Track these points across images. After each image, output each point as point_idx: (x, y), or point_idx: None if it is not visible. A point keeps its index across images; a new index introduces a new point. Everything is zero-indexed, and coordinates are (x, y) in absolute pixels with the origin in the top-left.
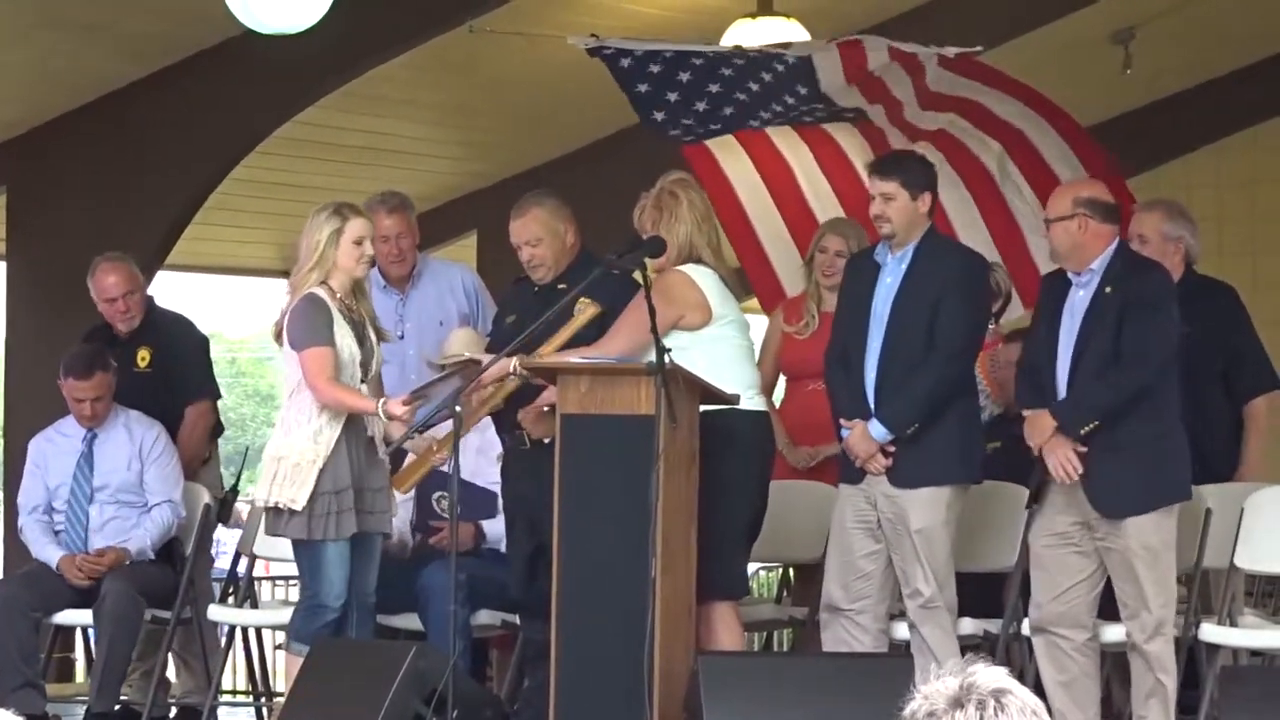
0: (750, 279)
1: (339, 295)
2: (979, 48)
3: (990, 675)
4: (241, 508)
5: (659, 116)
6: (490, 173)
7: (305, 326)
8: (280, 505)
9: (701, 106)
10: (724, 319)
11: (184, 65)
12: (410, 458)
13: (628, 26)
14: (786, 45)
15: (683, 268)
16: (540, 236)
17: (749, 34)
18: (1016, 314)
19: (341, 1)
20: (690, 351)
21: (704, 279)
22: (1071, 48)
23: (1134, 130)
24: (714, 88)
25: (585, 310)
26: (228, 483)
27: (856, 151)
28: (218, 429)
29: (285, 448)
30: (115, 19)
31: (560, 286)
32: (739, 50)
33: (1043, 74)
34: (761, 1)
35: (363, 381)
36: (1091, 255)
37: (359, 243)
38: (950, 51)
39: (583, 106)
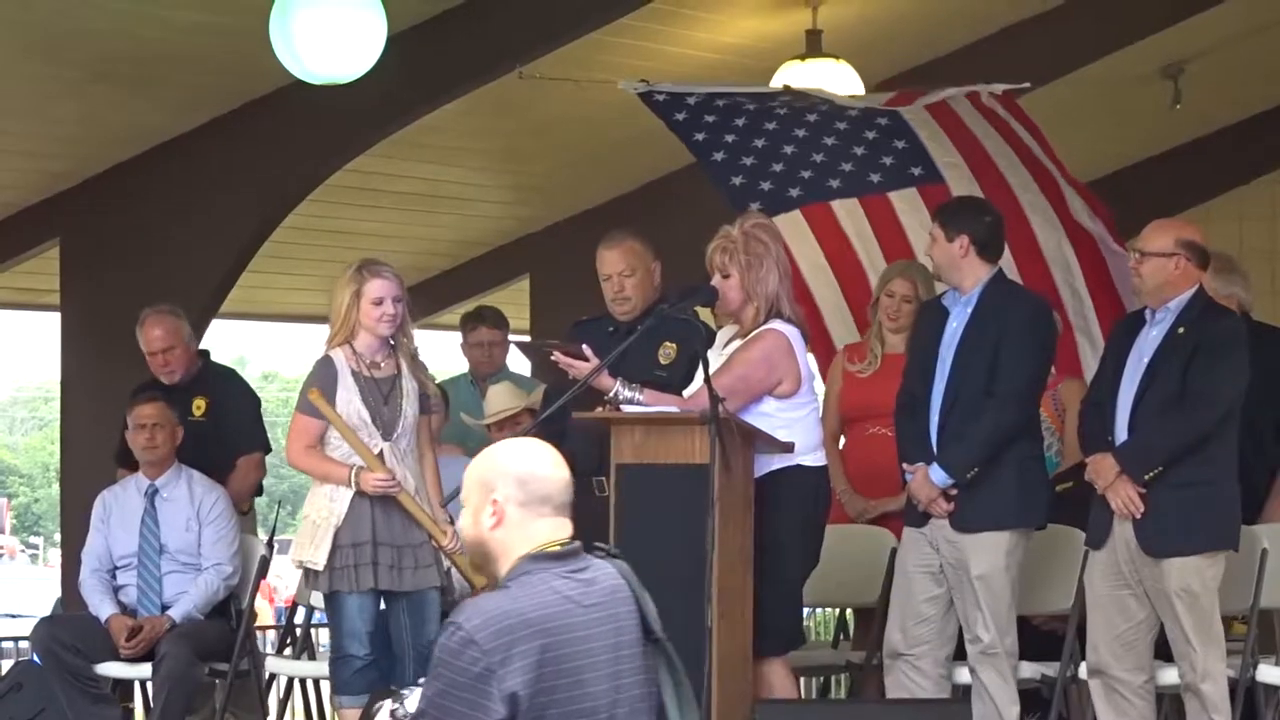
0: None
1: (361, 354)
2: (1027, 84)
3: None
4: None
5: (737, 181)
6: (542, 217)
7: (303, 391)
8: (304, 566)
9: (779, 168)
10: (808, 384)
11: (234, 116)
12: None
13: (676, 70)
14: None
15: (782, 329)
16: (635, 268)
17: (798, 76)
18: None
19: (391, 50)
20: (772, 419)
21: (799, 344)
22: (1121, 83)
23: (1185, 164)
24: (789, 149)
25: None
26: (263, 535)
27: (914, 221)
28: (259, 486)
29: (309, 507)
30: (166, 72)
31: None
32: (788, 91)
33: (1092, 110)
34: (810, 43)
35: (386, 441)
36: (1174, 294)
37: (379, 303)
38: (998, 88)
39: (634, 149)
